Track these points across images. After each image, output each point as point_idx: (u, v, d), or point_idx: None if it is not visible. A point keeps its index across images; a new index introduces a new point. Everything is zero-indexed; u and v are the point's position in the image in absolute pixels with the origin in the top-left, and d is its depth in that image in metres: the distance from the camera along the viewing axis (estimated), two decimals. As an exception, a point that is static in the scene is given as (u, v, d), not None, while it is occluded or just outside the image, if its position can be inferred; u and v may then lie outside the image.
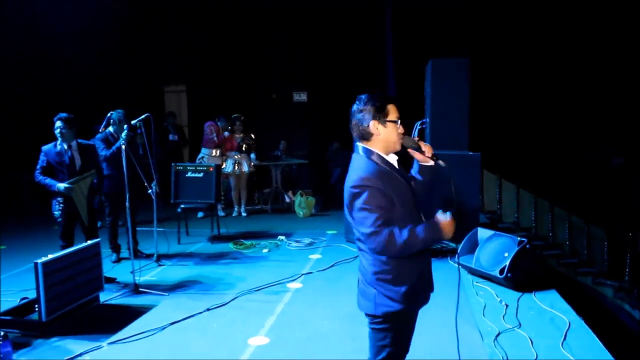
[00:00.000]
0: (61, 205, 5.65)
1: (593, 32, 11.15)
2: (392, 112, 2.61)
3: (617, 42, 11.11)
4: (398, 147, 2.66)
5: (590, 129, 11.27)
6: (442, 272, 6.08)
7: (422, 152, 2.74)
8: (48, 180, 5.60)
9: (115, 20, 11.91)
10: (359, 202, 2.51)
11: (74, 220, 5.81)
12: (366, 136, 2.62)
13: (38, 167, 5.67)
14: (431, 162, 2.76)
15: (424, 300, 2.77)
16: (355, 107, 2.64)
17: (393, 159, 2.68)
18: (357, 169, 2.58)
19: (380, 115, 2.58)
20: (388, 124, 2.60)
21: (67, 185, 5.54)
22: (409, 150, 2.74)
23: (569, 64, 11.39)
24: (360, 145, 2.66)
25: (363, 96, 2.65)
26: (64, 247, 5.51)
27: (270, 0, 12.33)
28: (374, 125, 2.59)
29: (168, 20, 12.70)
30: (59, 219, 5.70)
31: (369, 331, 2.71)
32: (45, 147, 5.71)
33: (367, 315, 2.68)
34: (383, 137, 2.60)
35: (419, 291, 2.68)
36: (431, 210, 2.72)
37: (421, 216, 2.72)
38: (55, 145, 5.71)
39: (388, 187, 2.52)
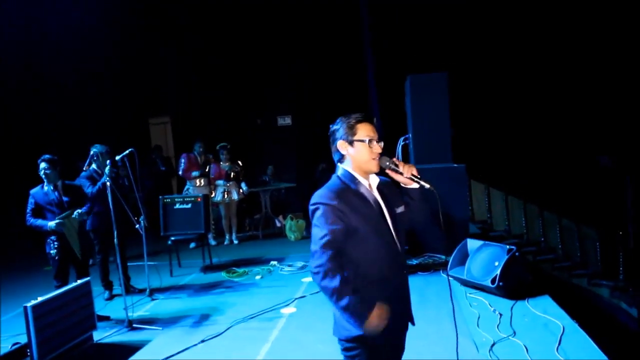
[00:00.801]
0: (55, 243, 5.63)
1: (574, 33, 11.27)
2: (362, 131, 2.52)
3: (599, 42, 11.23)
4: (373, 168, 2.54)
5: (575, 129, 11.34)
6: (435, 285, 6.11)
7: (400, 173, 2.57)
8: (39, 222, 5.60)
9: (97, 53, 11.98)
10: (313, 220, 2.47)
11: (67, 259, 5.78)
12: (340, 157, 2.59)
13: (28, 210, 5.67)
14: (413, 184, 2.59)
15: (397, 327, 2.60)
16: (330, 128, 2.61)
17: (373, 181, 2.59)
18: (321, 188, 2.52)
19: (348, 134, 2.52)
20: (356, 143, 2.52)
21: (57, 221, 5.53)
22: (388, 171, 2.60)
23: (550, 64, 11.50)
24: (339, 166, 2.62)
25: (339, 117, 2.60)
26: (58, 287, 5.46)
27: (251, 26, 12.45)
28: (341, 145, 2.55)
29: (151, 51, 12.79)
30: (56, 257, 5.66)
31: (343, 358, 2.60)
32: (32, 190, 5.73)
33: (339, 340, 2.58)
34: (353, 157, 2.53)
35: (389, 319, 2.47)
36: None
37: (395, 242, 2.57)
38: (42, 187, 5.73)
39: (346, 207, 2.43)
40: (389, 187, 2.67)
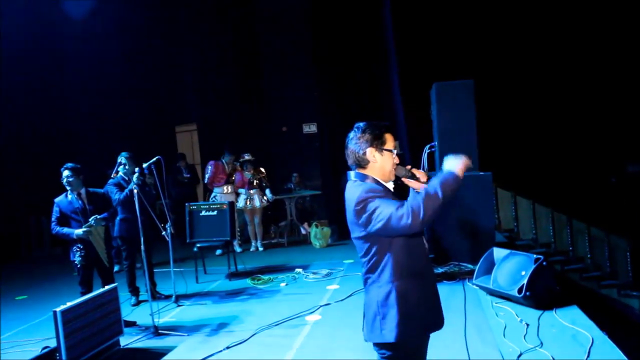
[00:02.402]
0: (82, 251, 5.71)
1: (603, 40, 11.14)
2: (390, 141, 2.65)
3: (628, 50, 11.08)
4: (392, 177, 2.68)
5: (604, 136, 11.18)
6: (461, 294, 6.05)
7: (417, 179, 2.71)
8: (65, 230, 5.69)
9: (124, 62, 12.19)
10: (372, 206, 2.49)
11: (92, 267, 5.86)
12: (362, 164, 2.66)
13: (53, 218, 5.77)
14: None
15: (431, 327, 2.72)
16: (352, 134, 2.68)
17: (390, 186, 2.70)
18: (356, 191, 2.58)
19: (377, 142, 2.63)
20: (385, 152, 2.63)
21: (84, 229, 5.62)
22: (404, 179, 2.72)
23: (578, 71, 11.36)
24: (353, 172, 2.69)
25: (361, 124, 2.68)
26: (83, 294, 5.55)
27: (276, 34, 12.54)
28: (370, 153, 2.63)
29: (178, 59, 12.96)
30: (79, 265, 5.75)
31: None
32: (57, 199, 5.83)
33: (375, 345, 2.66)
34: (379, 165, 2.64)
35: (423, 318, 2.65)
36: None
37: (423, 240, 2.71)
38: (66, 196, 5.83)
39: (389, 196, 2.57)
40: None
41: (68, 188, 5.79)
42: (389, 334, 2.58)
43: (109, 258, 5.91)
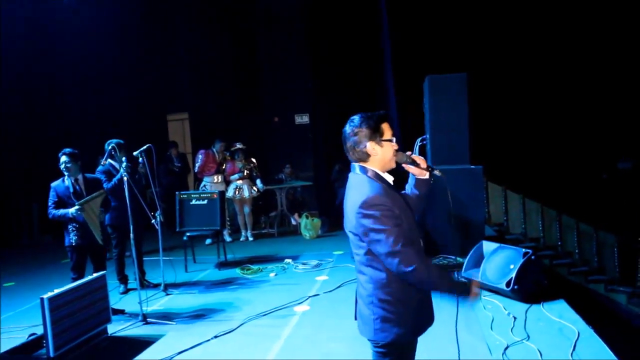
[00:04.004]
0: (78, 231, 5.69)
1: (593, 36, 11.15)
2: (387, 131, 2.59)
3: (619, 45, 11.11)
4: (393, 165, 2.65)
5: (595, 133, 11.22)
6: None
7: (417, 166, 2.72)
8: (61, 211, 5.66)
9: (117, 50, 12.10)
10: (372, 223, 2.45)
11: (86, 250, 5.84)
12: (363, 157, 2.60)
13: (50, 203, 5.73)
14: (427, 175, 2.76)
15: (424, 326, 2.72)
16: (348, 129, 2.60)
17: (389, 179, 2.65)
18: (361, 189, 2.52)
19: (376, 135, 2.56)
20: (384, 143, 2.58)
21: (76, 207, 5.58)
22: (404, 165, 2.72)
23: (570, 67, 11.38)
24: (357, 164, 2.63)
25: (356, 117, 2.60)
26: (74, 280, 5.52)
27: (270, 24, 12.49)
28: (371, 147, 2.56)
29: (169, 47, 12.88)
30: (75, 244, 5.71)
31: (373, 354, 2.68)
32: (53, 184, 5.80)
33: (370, 340, 2.66)
34: (380, 157, 2.58)
35: (419, 317, 2.65)
36: (425, 222, 2.73)
37: (419, 240, 2.68)
38: (63, 181, 5.80)
39: (395, 207, 2.50)
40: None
41: (66, 173, 5.77)
42: (383, 334, 2.57)
43: (103, 236, 5.89)
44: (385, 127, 2.59)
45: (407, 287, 2.55)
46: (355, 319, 2.76)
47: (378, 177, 2.58)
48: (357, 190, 2.54)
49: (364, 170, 2.60)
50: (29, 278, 8.14)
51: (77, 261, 5.79)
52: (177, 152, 11.45)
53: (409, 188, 2.82)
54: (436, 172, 2.76)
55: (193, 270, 7.88)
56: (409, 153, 2.73)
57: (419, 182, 2.78)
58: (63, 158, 5.73)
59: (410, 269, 2.41)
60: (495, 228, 9.88)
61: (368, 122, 2.57)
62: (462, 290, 2.59)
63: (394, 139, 2.62)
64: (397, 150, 2.65)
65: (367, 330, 2.63)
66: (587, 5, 11.15)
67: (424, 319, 2.70)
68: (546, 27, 11.37)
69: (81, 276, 5.66)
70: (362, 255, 2.59)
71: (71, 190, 5.74)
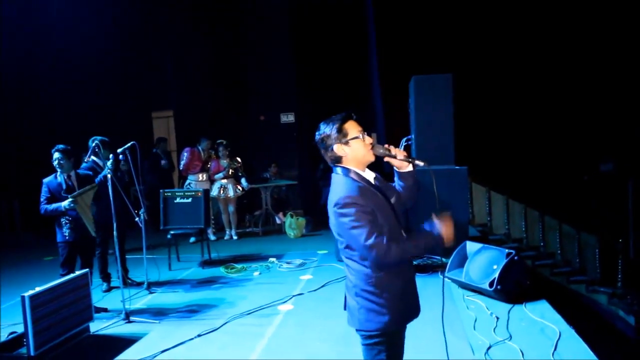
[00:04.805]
0: (70, 223, 5.65)
1: (578, 37, 11.26)
2: (352, 129, 2.65)
3: (603, 47, 11.22)
4: (371, 158, 2.69)
5: (578, 135, 11.33)
6: (433, 287, 6.09)
7: (395, 157, 2.73)
8: (53, 205, 5.60)
9: (102, 46, 12.00)
10: (347, 221, 2.53)
11: (77, 248, 5.79)
12: (337, 159, 2.68)
13: (42, 199, 5.67)
14: (408, 166, 2.78)
15: (411, 315, 2.78)
16: (317, 136, 2.71)
17: (370, 176, 2.71)
18: (338, 188, 2.61)
19: (340, 136, 2.63)
20: (351, 142, 2.64)
21: (69, 200, 5.53)
22: (385, 158, 2.75)
23: (554, 69, 11.48)
24: (336, 166, 2.71)
25: (321, 124, 2.71)
26: (64, 276, 5.46)
27: (255, 23, 12.47)
28: (338, 149, 2.64)
29: (155, 45, 12.80)
30: (68, 238, 5.67)
31: (362, 349, 2.72)
32: (46, 180, 5.74)
33: (358, 331, 2.70)
34: (352, 156, 2.65)
35: (405, 306, 2.70)
36: (417, 218, 2.74)
37: (400, 229, 2.72)
38: (55, 177, 5.75)
39: (370, 203, 2.54)
40: (381, 181, 2.78)
41: (58, 170, 5.71)
42: (369, 323, 2.63)
43: (96, 228, 5.84)
44: (349, 126, 2.66)
45: (389, 276, 2.61)
46: (345, 309, 2.83)
47: (357, 176, 2.64)
48: (333, 189, 2.64)
49: (342, 170, 2.67)
50: (9, 275, 8.04)
51: (67, 257, 5.74)
52: (164, 149, 11.34)
53: (396, 182, 2.85)
54: (419, 163, 2.76)
55: (177, 269, 7.84)
56: (386, 146, 2.75)
57: (401, 175, 2.81)
58: (56, 154, 5.68)
59: (387, 258, 2.49)
60: (479, 228, 9.94)
61: (330, 125, 2.66)
62: (439, 242, 2.63)
63: (363, 135, 2.66)
64: (372, 144, 2.69)
65: (353, 320, 2.70)
66: (570, 7, 11.25)
67: (409, 308, 2.75)
68: (531, 28, 11.46)
69: (71, 272, 5.60)
70: (343, 249, 2.68)
71: (64, 186, 5.69)
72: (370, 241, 2.47)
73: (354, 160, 2.66)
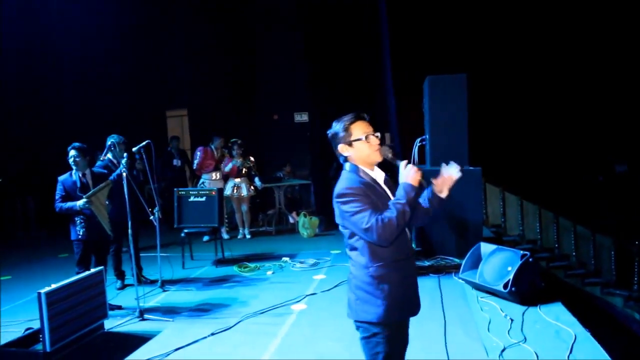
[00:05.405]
0: (85, 222, 5.68)
1: (592, 38, 11.18)
2: (356, 131, 2.70)
3: (619, 50, 11.13)
4: (377, 158, 2.74)
5: (593, 136, 11.25)
6: (447, 288, 6.08)
7: (395, 161, 2.76)
8: (68, 204, 5.64)
9: (116, 46, 12.08)
10: (348, 209, 2.60)
11: (91, 246, 5.83)
12: (344, 158, 2.78)
13: (57, 197, 5.71)
14: (446, 192, 2.79)
15: (409, 311, 2.82)
16: (328, 134, 2.82)
17: (379, 176, 2.78)
18: (341, 183, 2.69)
19: (344, 137, 2.72)
20: (354, 143, 2.71)
21: (84, 199, 5.57)
22: (390, 160, 2.78)
23: (570, 70, 11.40)
24: (346, 163, 2.80)
25: (334, 122, 2.79)
26: (79, 274, 5.50)
27: (270, 22, 12.49)
28: (342, 148, 2.74)
29: (169, 44, 12.87)
30: (82, 237, 5.70)
31: (361, 343, 2.76)
32: (61, 177, 5.78)
33: (355, 322, 2.75)
34: (355, 156, 2.73)
35: (402, 299, 2.73)
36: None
37: (406, 230, 2.75)
38: (70, 175, 5.79)
39: (372, 196, 2.63)
40: (390, 183, 2.84)
41: (74, 168, 5.75)
42: (364, 314, 2.68)
43: (112, 226, 5.88)
44: (355, 127, 2.72)
45: (385, 268, 2.66)
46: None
47: (364, 174, 2.72)
48: (338, 183, 2.72)
49: (350, 166, 2.76)
50: (25, 272, 8.11)
51: (83, 255, 5.79)
52: (178, 148, 11.39)
53: (424, 197, 2.83)
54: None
55: (190, 267, 7.87)
56: (389, 149, 2.77)
57: (435, 196, 2.79)
58: (72, 152, 5.72)
59: (386, 227, 2.50)
60: (493, 229, 9.88)
61: (335, 129, 2.76)
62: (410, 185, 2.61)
63: (368, 136, 2.69)
64: (382, 146, 2.75)
65: (351, 312, 2.76)
66: (586, 8, 11.16)
67: (407, 303, 2.78)
68: (546, 29, 11.39)
69: (87, 270, 5.64)
70: (347, 240, 2.76)
71: (78, 184, 5.73)
72: (370, 223, 2.52)
73: (359, 159, 2.74)
